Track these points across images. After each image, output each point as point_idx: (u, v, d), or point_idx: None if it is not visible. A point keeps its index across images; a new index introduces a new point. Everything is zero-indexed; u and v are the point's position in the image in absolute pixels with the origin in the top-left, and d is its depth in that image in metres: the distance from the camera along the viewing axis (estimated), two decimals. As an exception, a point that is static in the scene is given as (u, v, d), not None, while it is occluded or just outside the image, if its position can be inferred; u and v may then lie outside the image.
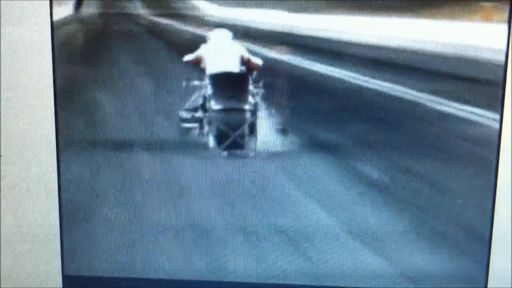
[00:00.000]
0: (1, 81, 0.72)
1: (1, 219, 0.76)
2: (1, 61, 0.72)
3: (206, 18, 0.67)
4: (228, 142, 0.51)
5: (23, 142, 0.72)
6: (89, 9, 0.71)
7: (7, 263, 0.79)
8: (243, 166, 0.56)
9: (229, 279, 0.74)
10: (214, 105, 0.51)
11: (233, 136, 0.51)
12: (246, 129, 0.50)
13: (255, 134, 0.51)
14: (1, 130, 0.72)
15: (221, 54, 0.49)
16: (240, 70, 0.49)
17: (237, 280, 0.74)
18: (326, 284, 0.72)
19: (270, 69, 0.57)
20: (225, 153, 0.52)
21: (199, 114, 0.51)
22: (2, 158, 0.72)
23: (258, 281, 0.74)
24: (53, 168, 0.73)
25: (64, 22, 0.71)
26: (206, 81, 0.50)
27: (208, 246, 0.72)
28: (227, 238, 0.71)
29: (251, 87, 0.50)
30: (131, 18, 0.69)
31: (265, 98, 0.53)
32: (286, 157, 0.57)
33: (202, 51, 0.50)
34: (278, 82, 0.52)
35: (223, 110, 0.51)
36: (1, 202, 0.75)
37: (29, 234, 0.77)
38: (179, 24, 0.68)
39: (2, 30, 0.71)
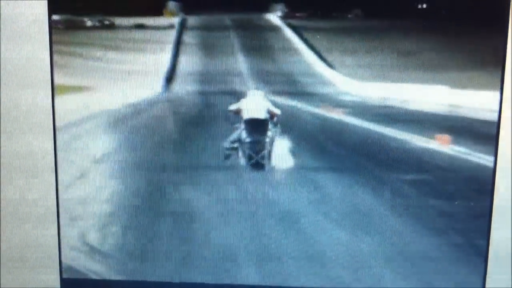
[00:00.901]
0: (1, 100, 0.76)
1: (1, 221, 0.79)
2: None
3: (339, 97, 0.70)
4: (253, 161, 0.79)
5: (22, 158, 0.77)
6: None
7: (7, 265, 0.80)
8: (262, 177, 0.77)
9: (230, 281, 0.78)
10: (245, 138, 0.79)
11: (256, 157, 0.79)
12: (265, 153, 0.80)
13: (271, 157, 0.81)
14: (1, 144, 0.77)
15: (254, 106, 0.78)
16: (265, 116, 0.79)
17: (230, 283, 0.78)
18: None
19: (286, 115, 0.74)
20: (251, 168, 0.80)
21: (236, 145, 0.79)
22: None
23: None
24: (50, 170, 0.77)
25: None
26: (242, 124, 0.79)
27: (208, 249, 0.77)
28: (230, 240, 0.77)
29: (270, 127, 0.80)
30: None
31: (281, 134, 0.76)
32: (293, 173, 0.74)
33: (241, 104, 0.78)
34: (291, 124, 0.78)
35: (251, 142, 0.79)
36: (1, 203, 0.79)
37: (27, 236, 0.79)
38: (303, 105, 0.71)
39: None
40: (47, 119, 0.76)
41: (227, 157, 0.78)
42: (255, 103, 0.78)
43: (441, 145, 0.69)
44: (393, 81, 0.69)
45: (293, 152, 0.74)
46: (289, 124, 0.73)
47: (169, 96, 0.75)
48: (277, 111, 0.79)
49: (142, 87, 0.74)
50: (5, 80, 0.75)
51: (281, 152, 0.77)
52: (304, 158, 0.74)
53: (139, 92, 0.74)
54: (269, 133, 0.79)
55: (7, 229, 0.80)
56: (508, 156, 0.67)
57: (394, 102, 0.69)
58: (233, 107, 0.78)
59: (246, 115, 0.78)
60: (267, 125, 0.79)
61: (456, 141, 0.67)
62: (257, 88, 0.75)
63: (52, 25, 0.73)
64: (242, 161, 0.79)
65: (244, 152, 0.79)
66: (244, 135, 0.79)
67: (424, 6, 0.66)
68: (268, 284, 0.76)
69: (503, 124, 0.66)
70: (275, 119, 0.79)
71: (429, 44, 0.67)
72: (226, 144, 0.78)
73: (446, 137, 0.68)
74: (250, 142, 0.79)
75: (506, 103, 0.66)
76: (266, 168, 0.78)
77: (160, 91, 0.74)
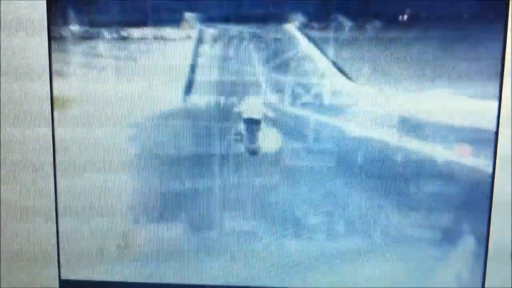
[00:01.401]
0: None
1: (1, 223, 0.80)
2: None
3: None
4: (250, 149, 0.92)
5: (21, 155, 0.78)
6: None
7: (6, 266, 0.82)
8: (256, 161, 0.86)
9: (228, 282, 0.80)
10: (245, 132, 0.91)
11: (252, 146, 0.92)
12: (259, 144, 0.93)
13: (262, 146, 0.93)
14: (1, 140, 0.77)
15: (252, 109, 0.89)
16: (260, 117, 0.91)
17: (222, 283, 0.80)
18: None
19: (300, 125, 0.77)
20: (248, 154, 0.92)
21: (238, 137, 0.89)
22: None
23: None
24: (49, 174, 0.79)
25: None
26: (242, 122, 0.89)
27: (208, 249, 0.80)
28: (230, 237, 0.80)
29: (263, 125, 0.92)
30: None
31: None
32: (280, 157, 0.81)
33: (243, 106, 0.89)
34: (277, 122, 0.90)
35: (249, 135, 0.91)
36: (1, 201, 0.80)
37: (26, 237, 0.81)
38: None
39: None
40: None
41: (230, 145, 0.88)
42: (253, 106, 0.89)
43: (462, 156, 0.69)
44: (411, 91, 0.70)
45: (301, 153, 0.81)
46: (302, 133, 0.78)
47: (188, 107, 0.77)
48: (271, 114, 0.92)
49: (160, 99, 0.77)
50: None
51: (273, 144, 0.91)
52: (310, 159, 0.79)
53: (157, 104, 0.76)
54: (262, 129, 0.92)
55: (6, 229, 0.80)
56: (508, 161, 0.69)
57: (412, 112, 0.70)
58: (237, 109, 0.88)
59: (245, 115, 0.90)
60: (260, 123, 0.92)
61: (476, 153, 0.68)
62: (273, 98, 0.80)
63: (51, 35, 0.73)
64: (242, 148, 0.90)
65: (243, 142, 0.90)
66: (243, 130, 0.90)
67: (440, 15, 0.66)
68: (269, 285, 0.80)
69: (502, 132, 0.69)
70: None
71: (447, 54, 0.68)
72: (231, 136, 0.89)
73: (467, 148, 0.69)
74: (248, 135, 0.91)
75: (505, 109, 0.68)
76: (259, 154, 0.90)
77: (179, 102, 0.77)
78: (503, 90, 0.69)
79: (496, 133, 0.70)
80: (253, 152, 0.91)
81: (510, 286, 0.73)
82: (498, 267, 0.73)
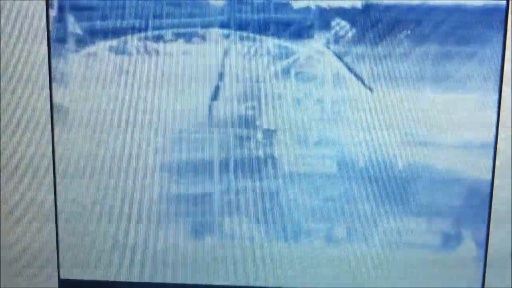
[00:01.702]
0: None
1: (1, 223, 0.79)
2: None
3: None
4: (266, 157, 0.87)
5: (21, 149, 0.77)
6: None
7: (5, 267, 0.80)
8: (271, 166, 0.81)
9: (227, 282, 0.79)
10: (263, 141, 0.91)
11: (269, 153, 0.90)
12: (275, 151, 0.90)
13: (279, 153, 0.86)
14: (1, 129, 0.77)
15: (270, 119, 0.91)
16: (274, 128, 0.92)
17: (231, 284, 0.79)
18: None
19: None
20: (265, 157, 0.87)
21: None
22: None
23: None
24: (49, 172, 0.78)
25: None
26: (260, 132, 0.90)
27: (208, 248, 0.78)
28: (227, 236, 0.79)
29: (278, 134, 0.91)
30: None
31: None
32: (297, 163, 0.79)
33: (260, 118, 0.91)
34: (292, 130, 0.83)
35: (266, 144, 0.90)
36: (1, 202, 0.79)
37: (25, 236, 0.79)
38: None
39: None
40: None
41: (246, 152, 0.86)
42: (270, 115, 0.93)
43: (461, 161, 0.72)
44: (411, 97, 0.71)
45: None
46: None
47: (213, 122, 0.77)
48: (286, 123, 0.94)
49: (187, 113, 0.76)
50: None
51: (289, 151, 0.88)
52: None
53: (183, 118, 0.76)
54: (278, 138, 0.94)
55: (6, 229, 0.79)
56: (508, 164, 0.72)
57: (412, 117, 0.72)
58: (254, 119, 0.92)
59: (263, 125, 0.93)
60: (276, 132, 0.94)
61: (476, 158, 0.71)
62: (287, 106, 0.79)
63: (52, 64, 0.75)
64: (258, 156, 0.88)
65: (260, 150, 0.91)
66: (261, 139, 0.92)
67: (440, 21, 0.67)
68: (270, 285, 0.79)
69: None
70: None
71: (446, 59, 0.70)
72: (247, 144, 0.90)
73: (466, 153, 0.72)
74: (265, 144, 0.92)
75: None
76: (275, 160, 0.87)
77: (204, 116, 0.76)
78: (503, 95, 0.72)
79: (496, 138, 0.72)
80: (271, 157, 0.92)
81: (510, 286, 0.75)
82: (497, 268, 0.74)
